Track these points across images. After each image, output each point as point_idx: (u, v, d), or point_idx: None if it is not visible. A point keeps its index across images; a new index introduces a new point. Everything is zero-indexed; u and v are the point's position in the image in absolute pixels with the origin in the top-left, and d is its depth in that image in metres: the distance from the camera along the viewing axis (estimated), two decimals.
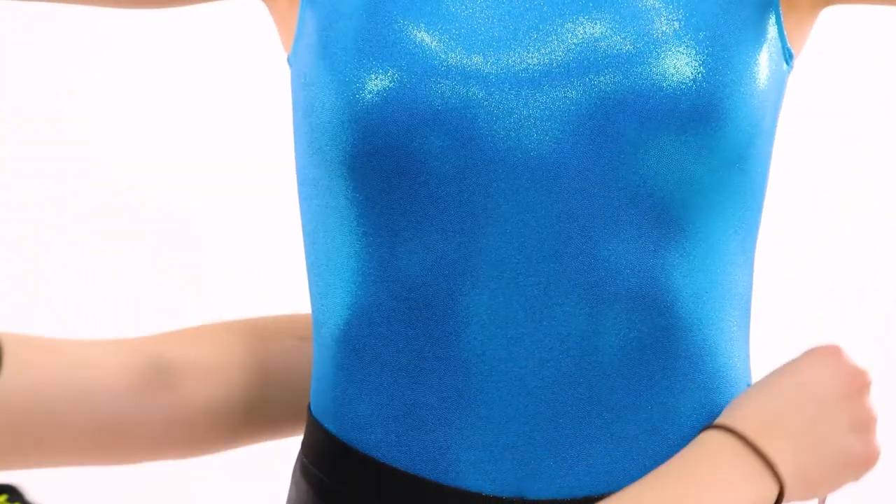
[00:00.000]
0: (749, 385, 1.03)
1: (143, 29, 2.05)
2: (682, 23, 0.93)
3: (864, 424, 0.96)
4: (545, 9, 0.94)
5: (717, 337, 0.98)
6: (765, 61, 0.96)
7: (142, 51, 2.35)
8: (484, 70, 0.93)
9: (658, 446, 0.96)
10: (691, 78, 0.92)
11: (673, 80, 0.92)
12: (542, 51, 0.93)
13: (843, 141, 2.40)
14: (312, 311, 1.05)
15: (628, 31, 0.93)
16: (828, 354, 0.97)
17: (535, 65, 0.93)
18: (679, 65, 0.92)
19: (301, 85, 1.00)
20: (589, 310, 0.94)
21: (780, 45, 0.98)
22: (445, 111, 0.93)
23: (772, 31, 0.97)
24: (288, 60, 1.05)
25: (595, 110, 0.92)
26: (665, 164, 0.93)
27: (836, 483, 0.96)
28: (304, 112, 1.00)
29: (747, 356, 1.03)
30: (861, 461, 0.96)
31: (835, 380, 0.96)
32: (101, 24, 2.35)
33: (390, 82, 0.93)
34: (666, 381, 0.96)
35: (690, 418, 0.97)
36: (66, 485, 2.32)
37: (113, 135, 2.41)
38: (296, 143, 1.03)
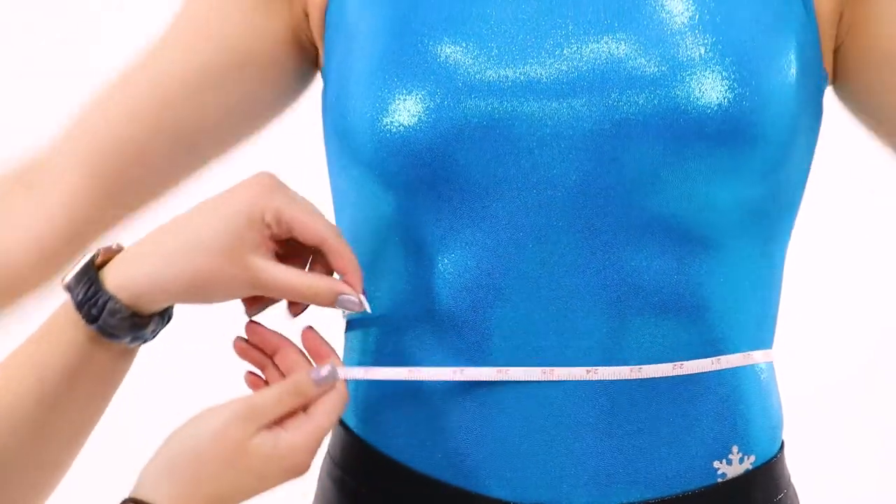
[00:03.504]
0: (776, 395, 1.04)
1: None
2: (709, 47, 0.93)
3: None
4: (570, 27, 0.95)
5: (742, 351, 0.99)
6: (799, 83, 0.96)
7: None
8: (507, 87, 0.93)
9: (679, 458, 0.97)
10: (717, 102, 0.92)
11: (698, 104, 0.92)
12: (566, 69, 0.93)
13: (882, 160, 2.36)
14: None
15: (653, 54, 0.93)
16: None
17: (558, 83, 0.93)
18: (705, 88, 0.92)
19: (332, 101, 1.01)
20: (612, 324, 0.95)
21: (816, 67, 0.98)
22: (469, 129, 0.93)
23: (808, 52, 0.97)
24: (321, 73, 1.06)
25: (618, 130, 0.92)
26: (689, 187, 0.93)
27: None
28: (334, 129, 1.01)
29: (772, 368, 1.04)
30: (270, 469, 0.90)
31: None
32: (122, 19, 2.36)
33: (415, 102, 0.93)
34: (688, 393, 0.97)
35: (712, 430, 0.98)
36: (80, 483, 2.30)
37: None
38: (327, 156, 1.05)
